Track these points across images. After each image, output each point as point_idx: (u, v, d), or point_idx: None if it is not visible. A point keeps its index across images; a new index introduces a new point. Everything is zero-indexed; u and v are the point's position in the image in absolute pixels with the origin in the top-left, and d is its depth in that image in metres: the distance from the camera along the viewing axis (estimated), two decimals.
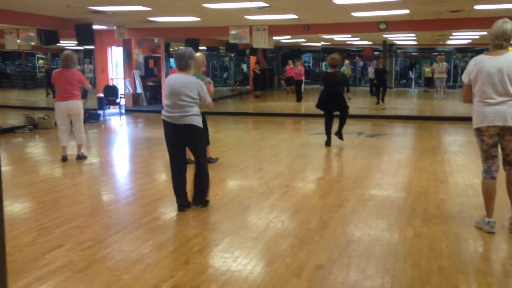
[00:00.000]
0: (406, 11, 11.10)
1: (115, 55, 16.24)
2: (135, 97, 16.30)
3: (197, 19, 12.37)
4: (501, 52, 4.09)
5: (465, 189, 5.83)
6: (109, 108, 14.89)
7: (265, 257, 3.84)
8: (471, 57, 30.26)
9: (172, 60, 20.41)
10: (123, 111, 14.93)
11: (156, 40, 16.95)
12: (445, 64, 19.62)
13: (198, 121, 4.90)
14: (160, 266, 3.66)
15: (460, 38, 20.85)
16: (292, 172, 6.83)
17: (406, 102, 18.98)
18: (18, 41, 13.99)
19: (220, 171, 6.88)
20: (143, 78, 16.63)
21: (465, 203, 5.28)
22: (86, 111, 11.76)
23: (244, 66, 28.23)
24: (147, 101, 16.76)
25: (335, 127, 8.89)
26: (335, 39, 21.46)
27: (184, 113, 4.82)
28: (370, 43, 25.36)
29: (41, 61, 29.71)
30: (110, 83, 15.40)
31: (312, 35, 15.74)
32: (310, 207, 5.20)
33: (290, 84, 21.14)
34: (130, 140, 11.03)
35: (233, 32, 13.90)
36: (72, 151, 7.86)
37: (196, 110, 4.89)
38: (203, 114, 5.37)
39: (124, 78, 16.10)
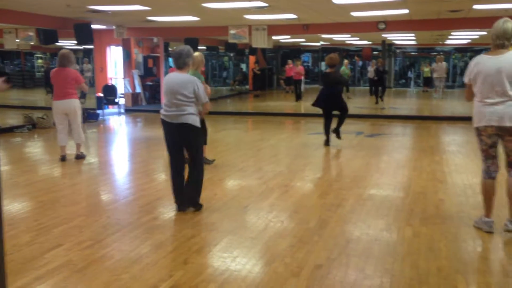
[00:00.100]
0: (406, 11, 11.11)
1: (114, 55, 16.23)
2: (134, 97, 16.30)
3: (197, 18, 12.37)
4: (502, 52, 4.08)
5: (464, 189, 5.84)
6: (108, 107, 14.88)
7: (264, 257, 3.84)
8: (471, 57, 30.24)
9: (171, 59, 20.41)
10: (122, 110, 14.92)
11: (155, 39, 16.95)
12: (444, 64, 19.63)
13: (194, 120, 4.83)
14: (159, 266, 3.66)
15: (459, 38, 20.87)
16: (291, 172, 6.83)
17: (405, 102, 19.01)
18: (17, 40, 13.99)
19: (219, 171, 6.88)
20: (142, 78, 16.62)
21: (463, 203, 5.29)
22: (85, 110, 11.77)
23: (243, 66, 28.24)
24: (146, 100, 16.76)
25: (334, 126, 8.89)
26: (334, 38, 21.47)
27: (180, 111, 4.78)
28: (369, 42, 25.37)
29: (40, 61, 29.71)
30: (109, 82, 15.40)
31: (311, 34, 15.75)
32: (309, 207, 5.20)
33: (289, 83, 21.15)
34: (129, 139, 11.02)
35: (232, 31, 13.90)
36: (71, 151, 7.86)
37: (192, 109, 4.83)
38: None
39: (123, 78, 16.10)
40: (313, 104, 8.93)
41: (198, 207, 5.00)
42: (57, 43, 13.87)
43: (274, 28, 13.90)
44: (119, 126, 12.92)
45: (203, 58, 6.62)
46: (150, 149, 8.91)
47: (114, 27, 14.23)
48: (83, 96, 11.43)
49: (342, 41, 23.83)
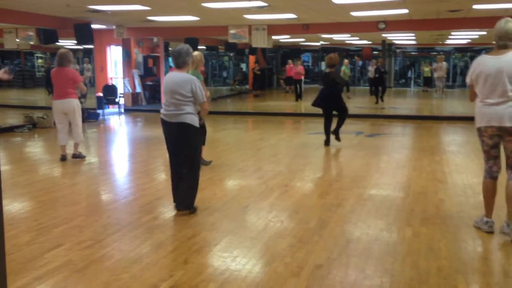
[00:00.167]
0: (405, 11, 11.11)
1: (114, 55, 16.23)
2: (134, 97, 16.30)
3: (196, 18, 12.37)
4: (503, 52, 4.06)
5: (464, 189, 5.84)
6: (108, 107, 14.88)
7: (264, 257, 3.84)
8: (471, 57, 30.11)
9: (171, 59, 20.41)
10: (122, 110, 14.92)
11: (155, 39, 16.94)
12: (445, 63, 19.65)
13: (192, 120, 4.77)
14: (159, 266, 3.66)
15: (459, 37, 20.87)
16: (291, 172, 6.83)
17: (405, 102, 19.00)
18: (17, 40, 13.99)
19: (219, 171, 6.88)
20: (142, 78, 16.62)
21: (464, 203, 5.29)
22: (85, 110, 11.77)
23: (243, 66, 28.24)
24: (146, 100, 16.75)
25: (334, 126, 8.89)
26: (334, 38, 21.48)
27: (178, 111, 4.75)
28: (369, 42, 25.37)
29: (40, 60, 29.71)
30: (109, 82, 15.39)
31: (311, 34, 15.75)
32: (309, 207, 5.20)
33: (289, 83, 21.15)
34: (129, 139, 11.02)
35: (232, 31, 13.90)
36: (71, 150, 7.85)
37: (191, 108, 4.77)
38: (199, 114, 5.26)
39: (123, 78, 16.09)
40: (313, 104, 8.94)
41: (192, 210, 4.90)
42: (57, 43, 13.87)
43: (274, 28, 13.90)
44: (119, 126, 12.92)
45: (203, 57, 6.61)
46: (150, 149, 8.91)
47: (114, 27, 14.23)
48: (83, 96, 11.42)
49: (342, 41, 23.84)
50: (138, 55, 16.54)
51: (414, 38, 21.80)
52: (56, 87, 7.56)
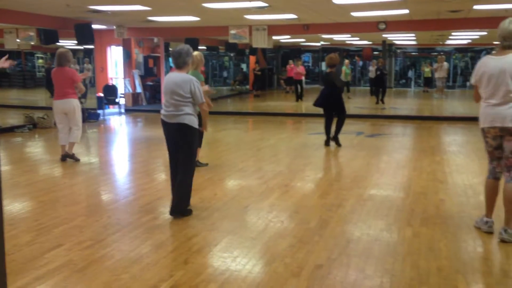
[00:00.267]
0: (406, 11, 11.11)
1: (114, 55, 16.23)
2: (135, 97, 16.30)
3: (197, 18, 12.37)
4: (507, 52, 4.05)
5: (464, 189, 5.84)
6: (108, 107, 14.88)
7: (264, 257, 3.84)
8: (471, 57, 30.08)
9: (171, 59, 20.40)
10: (123, 110, 14.92)
11: (155, 39, 16.95)
12: (446, 64, 19.65)
13: (191, 121, 4.74)
14: (159, 266, 3.66)
15: (460, 38, 20.86)
16: (291, 172, 6.83)
17: (406, 102, 18.99)
18: (18, 40, 13.99)
19: (219, 171, 6.88)
20: (142, 78, 16.62)
21: (464, 203, 5.29)
22: (86, 110, 11.77)
23: (243, 66, 28.24)
24: (146, 100, 16.75)
25: (334, 127, 8.88)
26: (334, 39, 21.47)
27: (177, 111, 4.73)
28: (370, 43, 25.36)
29: (40, 61, 29.71)
30: (110, 82, 15.39)
31: (311, 35, 15.75)
32: (310, 207, 5.20)
33: (289, 83, 21.15)
34: (129, 139, 11.03)
35: (232, 31, 13.90)
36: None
37: (190, 109, 4.74)
38: (199, 116, 5.12)
39: (124, 78, 16.10)
40: (314, 104, 8.94)
41: (186, 213, 4.81)
42: (57, 43, 13.87)
43: (274, 28, 13.90)
44: (120, 126, 12.93)
45: (203, 57, 6.61)
46: (150, 149, 8.91)
47: (114, 27, 14.23)
48: (83, 96, 11.43)
49: (342, 41, 23.83)
50: (138, 55, 16.55)
51: (414, 38, 21.80)
52: (56, 87, 7.56)
